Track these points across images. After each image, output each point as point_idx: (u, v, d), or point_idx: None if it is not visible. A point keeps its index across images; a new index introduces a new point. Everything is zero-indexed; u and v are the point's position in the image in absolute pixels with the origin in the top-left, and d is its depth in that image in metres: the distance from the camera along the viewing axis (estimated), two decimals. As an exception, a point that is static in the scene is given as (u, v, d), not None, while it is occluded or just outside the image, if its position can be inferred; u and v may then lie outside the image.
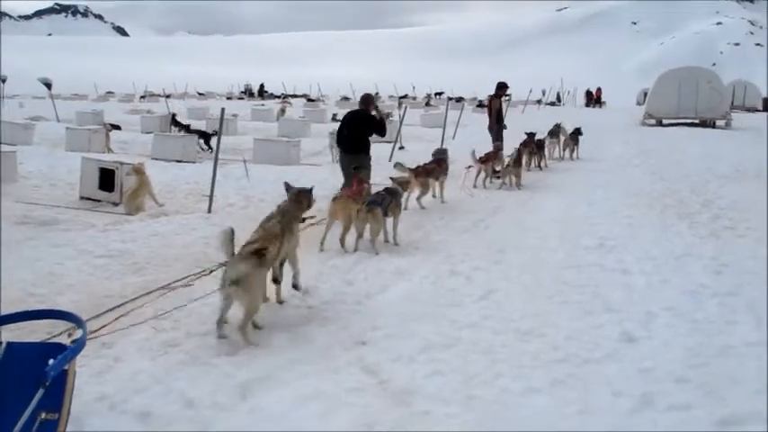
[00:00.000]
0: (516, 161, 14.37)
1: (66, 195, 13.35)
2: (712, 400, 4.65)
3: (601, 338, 5.76)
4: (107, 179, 12.83)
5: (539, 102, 54.02)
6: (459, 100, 48.27)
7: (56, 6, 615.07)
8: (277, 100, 56.47)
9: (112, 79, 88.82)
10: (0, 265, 7.19)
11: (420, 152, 14.32)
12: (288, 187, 7.05)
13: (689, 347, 5.52)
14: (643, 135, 27.39)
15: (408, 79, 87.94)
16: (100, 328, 5.94)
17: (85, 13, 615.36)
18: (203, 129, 23.28)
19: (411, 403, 4.68)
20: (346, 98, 56.45)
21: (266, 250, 6.00)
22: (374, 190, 10.04)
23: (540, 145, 17.31)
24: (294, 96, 66.49)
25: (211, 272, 7.57)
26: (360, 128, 11.41)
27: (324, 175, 15.51)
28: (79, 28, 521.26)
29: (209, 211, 11.26)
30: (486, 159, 14.28)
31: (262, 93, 70.74)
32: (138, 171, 12.13)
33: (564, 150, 19.41)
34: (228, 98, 65.36)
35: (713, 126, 31.49)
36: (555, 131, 19.35)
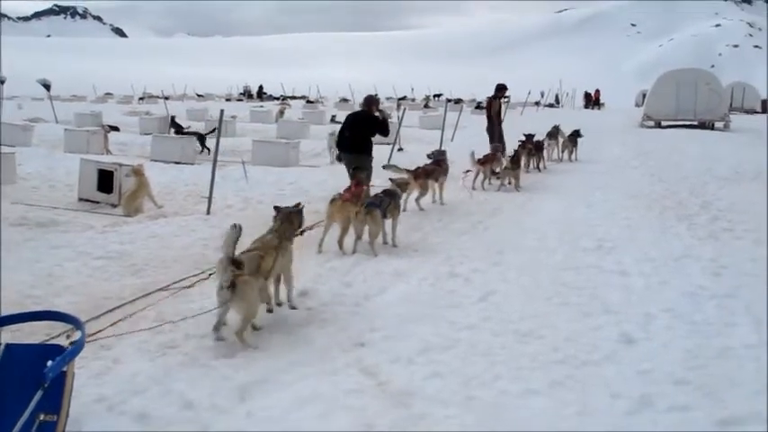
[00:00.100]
0: (515, 163, 14.38)
1: (64, 197, 13.35)
2: (711, 401, 4.65)
3: (599, 340, 5.76)
4: (106, 180, 12.84)
5: (537, 103, 54.04)
6: (458, 102, 48.30)
7: (55, 8, 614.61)
8: (276, 101, 56.45)
9: (111, 81, 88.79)
10: (-1, 267, 7.19)
11: (419, 154, 14.32)
12: (278, 209, 6.94)
13: (688, 349, 5.52)
14: (642, 137, 27.42)
15: (407, 81, 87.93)
16: (98, 332, 5.93)
17: (84, 15, 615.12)
18: (198, 130, 23.24)
19: (410, 405, 4.68)
20: (345, 100, 56.42)
21: (262, 259, 5.98)
22: (374, 191, 10.04)
23: (538, 146, 17.33)
24: (293, 98, 66.49)
25: (210, 275, 7.55)
26: (362, 129, 11.47)
27: (322, 176, 15.54)
28: (78, 29, 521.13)
29: (208, 212, 11.26)
30: (484, 161, 14.29)
31: (260, 94, 70.79)
32: (137, 172, 12.13)
33: (562, 152, 19.43)
34: (227, 100, 65.36)
35: (712, 128, 31.53)
36: (553, 133, 19.38)
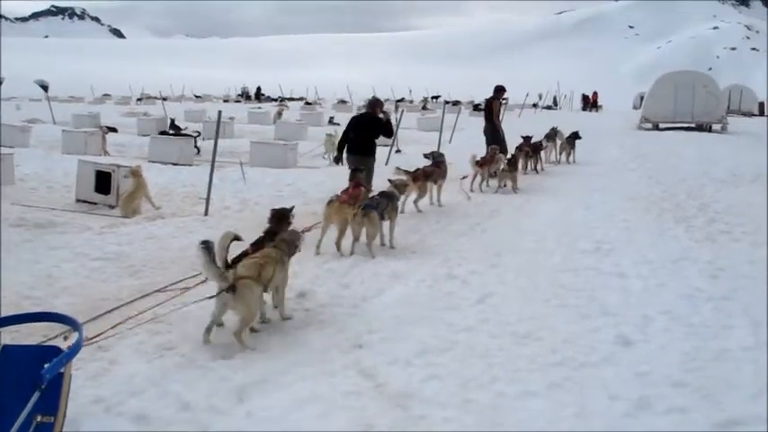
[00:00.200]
0: (512, 165, 14.38)
1: (62, 198, 13.33)
2: (709, 403, 4.66)
3: (597, 342, 5.76)
4: (103, 182, 12.82)
5: (534, 105, 54.08)
6: (456, 103, 48.27)
7: (52, 8, 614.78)
8: (274, 103, 56.43)
9: (109, 82, 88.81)
10: (-4, 268, 7.19)
11: (416, 156, 14.33)
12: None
13: (685, 351, 5.53)
14: (639, 139, 27.47)
15: (405, 82, 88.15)
16: (96, 336, 5.92)
17: (82, 16, 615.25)
18: (188, 131, 23.18)
19: (408, 407, 4.68)
20: (343, 101, 56.43)
21: (263, 267, 5.99)
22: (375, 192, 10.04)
23: (536, 148, 17.34)
24: (291, 99, 66.50)
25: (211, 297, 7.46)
26: (367, 131, 11.63)
27: (320, 177, 15.53)
28: (76, 30, 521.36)
29: (206, 213, 11.25)
30: (482, 162, 14.29)
31: (259, 96, 70.75)
32: (135, 174, 12.12)
33: (560, 154, 19.46)
34: (225, 101, 65.28)
35: (709, 130, 31.57)
36: (551, 135, 19.40)
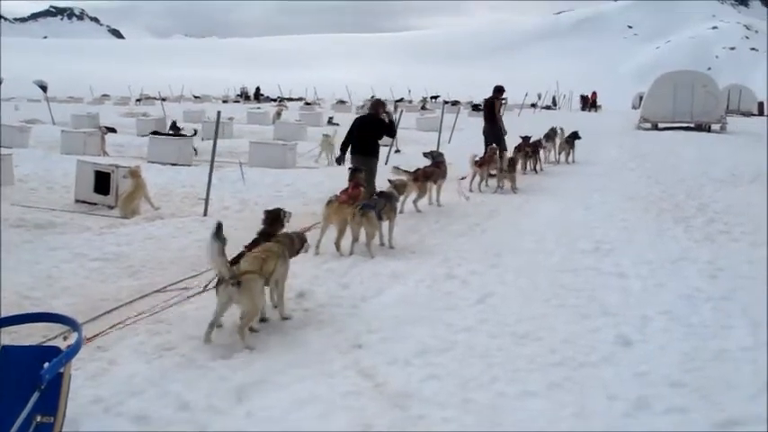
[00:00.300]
0: (511, 165, 14.38)
1: (61, 198, 13.32)
2: (708, 403, 4.66)
3: (597, 342, 5.77)
4: (102, 182, 12.81)
5: (533, 105, 54.09)
6: (455, 103, 48.28)
7: (51, 9, 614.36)
8: (273, 103, 56.42)
9: (108, 82, 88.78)
10: (-4, 268, 7.19)
11: (416, 156, 14.33)
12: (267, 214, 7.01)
13: (684, 351, 5.53)
14: (639, 139, 27.49)
15: (404, 82, 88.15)
16: (95, 336, 5.92)
17: (81, 16, 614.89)
18: (184, 132, 23.14)
19: (407, 407, 4.68)
20: (342, 101, 56.46)
21: (265, 261, 6.00)
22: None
23: (535, 148, 17.35)
24: (290, 99, 66.48)
25: (205, 287, 7.41)
26: (370, 131, 11.67)
27: (320, 178, 15.54)
28: (75, 30, 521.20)
29: (205, 214, 11.25)
30: (481, 162, 14.30)
31: (258, 96, 70.72)
32: (134, 174, 12.11)
33: (560, 154, 19.48)
34: (224, 101, 65.21)
35: (708, 130, 31.60)
36: (551, 135, 19.42)
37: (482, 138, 17.45)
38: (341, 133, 18.54)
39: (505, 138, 16.96)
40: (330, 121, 32.60)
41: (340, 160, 11.97)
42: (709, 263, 8.30)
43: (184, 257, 8.64)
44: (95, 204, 12.69)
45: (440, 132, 20.78)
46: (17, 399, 3.28)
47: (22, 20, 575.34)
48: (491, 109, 17.51)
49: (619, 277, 7.74)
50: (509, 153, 15.73)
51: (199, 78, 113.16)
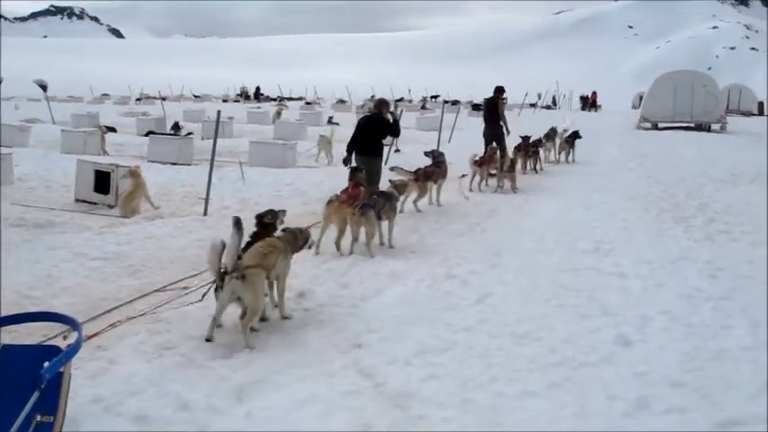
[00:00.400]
0: (511, 165, 14.38)
1: (61, 198, 13.32)
2: (708, 403, 4.66)
3: (597, 342, 5.77)
4: (102, 181, 12.81)
5: (532, 105, 54.07)
6: (455, 103, 48.26)
7: (51, 8, 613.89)
8: (273, 103, 56.40)
9: (108, 81, 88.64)
10: (-4, 268, 7.18)
11: (416, 155, 14.33)
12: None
13: (684, 351, 5.53)
14: (639, 139, 27.49)
15: (404, 82, 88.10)
16: (94, 335, 5.92)
17: (81, 15, 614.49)
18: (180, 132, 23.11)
19: (407, 407, 4.68)
20: (342, 101, 56.45)
21: (265, 256, 6.02)
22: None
23: (536, 148, 17.35)
24: (290, 99, 66.46)
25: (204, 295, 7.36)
26: (374, 131, 11.71)
27: (320, 177, 15.53)
28: (75, 30, 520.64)
29: (205, 213, 11.26)
30: (481, 162, 14.30)
31: (258, 95, 70.70)
32: (134, 174, 12.11)
33: (560, 153, 19.48)
34: (224, 101, 65.17)
35: (708, 130, 31.61)
36: (551, 135, 19.43)
37: (482, 138, 17.43)
38: (340, 133, 18.54)
39: (507, 138, 16.95)
40: (330, 121, 32.59)
41: (347, 161, 11.92)
42: (709, 263, 8.30)
43: (184, 257, 8.65)
44: (95, 204, 12.69)
45: (440, 132, 20.77)
46: (17, 398, 3.28)
47: (22, 19, 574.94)
48: (493, 109, 17.46)
49: (619, 277, 7.74)
50: (509, 153, 15.74)
51: (199, 78, 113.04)
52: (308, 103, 54.93)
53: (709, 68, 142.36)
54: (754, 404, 4.61)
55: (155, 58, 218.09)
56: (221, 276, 5.77)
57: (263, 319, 6.31)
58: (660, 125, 32.81)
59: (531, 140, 17.30)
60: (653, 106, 33.64)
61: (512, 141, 16.99)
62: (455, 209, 12.13)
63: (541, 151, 18.01)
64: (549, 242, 9.51)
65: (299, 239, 6.77)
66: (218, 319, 5.92)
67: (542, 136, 18.69)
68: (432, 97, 65.75)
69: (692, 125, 32.10)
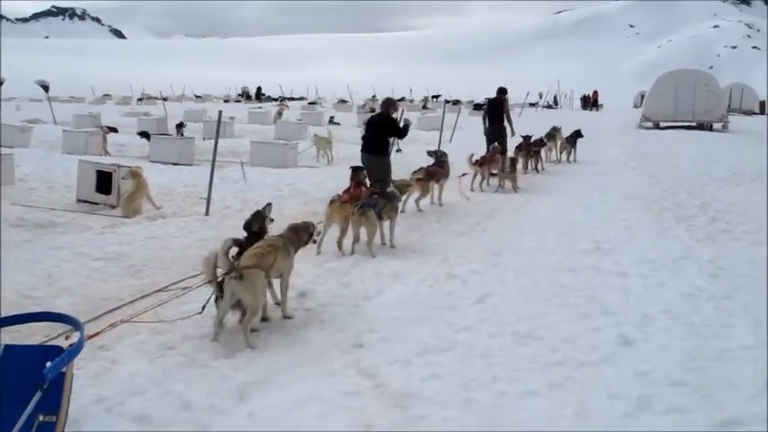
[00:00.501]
0: (511, 165, 14.38)
1: (63, 198, 13.33)
2: (709, 403, 4.66)
3: (598, 341, 5.77)
4: (104, 182, 12.83)
5: (532, 105, 54.02)
6: (456, 103, 48.25)
7: (53, 9, 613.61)
8: (274, 103, 56.41)
9: (110, 82, 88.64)
10: (-2, 268, 7.19)
11: (417, 155, 14.33)
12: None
13: (685, 351, 5.53)
14: (640, 138, 27.48)
15: (405, 82, 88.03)
16: (95, 334, 5.92)
17: (83, 16, 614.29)
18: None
19: (408, 406, 4.69)
20: (343, 101, 56.43)
21: (262, 256, 6.02)
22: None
23: (537, 148, 17.34)
24: (291, 99, 66.45)
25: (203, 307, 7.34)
26: (381, 130, 11.76)
27: (321, 177, 15.54)
28: (76, 30, 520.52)
29: (207, 213, 11.27)
30: (482, 162, 14.30)
31: (259, 95, 70.70)
32: (135, 174, 12.12)
33: (561, 153, 19.48)
34: (226, 101, 65.19)
35: (710, 129, 31.60)
36: (552, 134, 19.42)
37: (482, 137, 17.41)
38: (340, 133, 18.53)
39: (512, 138, 16.93)
40: (331, 121, 32.58)
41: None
42: (710, 262, 8.31)
43: (186, 257, 8.65)
44: (97, 204, 12.71)
45: (441, 131, 20.77)
46: (19, 398, 3.29)
47: (24, 20, 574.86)
48: (497, 110, 17.39)
49: (620, 276, 7.74)
50: (510, 153, 15.74)
51: (200, 78, 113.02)
52: (310, 104, 54.94)
53: (711, 67, 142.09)
54: (755, 404, 4.61)
55: (156, 58, 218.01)
56: (220, 286, 5.80)
57: (264, 319, 6.32)
58: (662, 124, 32.81)
59: (532, 140, 17.30)
60: (654, 105, 33.62)
61: (513, 141, 16.99)
62: (456, 208, 12.14)
63: (543, 151, 18.00)
64: (550, 241, 9.51)
65: (302, 235, 6.78)
66: (222, 320, 5.92)
67: (544, 135, 18.67)
68: (433, 97, 65.75)
69: (693, 124, 32.10)
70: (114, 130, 23.05)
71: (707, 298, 6.90)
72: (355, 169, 10.67)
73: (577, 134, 19.50)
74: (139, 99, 60.93)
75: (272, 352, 5.63)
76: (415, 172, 11.97)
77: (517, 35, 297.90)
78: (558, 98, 65.12)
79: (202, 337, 5.86)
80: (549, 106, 59.01)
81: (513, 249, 9.06)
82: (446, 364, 5.37)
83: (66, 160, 16.99)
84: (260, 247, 6.21)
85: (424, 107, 49.26)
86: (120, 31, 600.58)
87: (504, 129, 16.95)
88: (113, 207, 12.43)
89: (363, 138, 11.97)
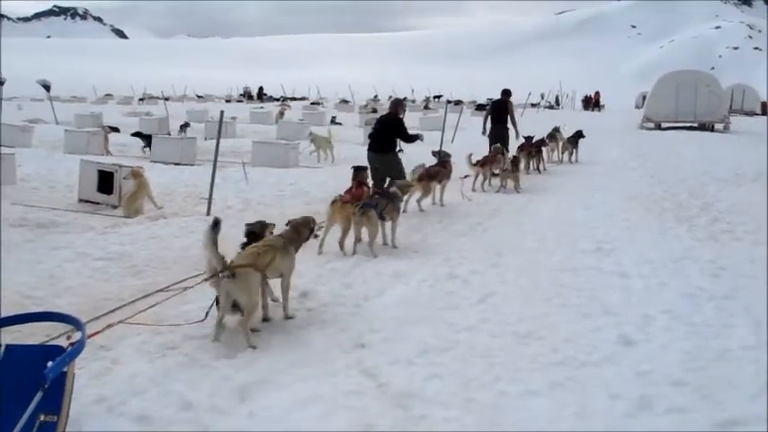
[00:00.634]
0: (513, 165, 14.38)
1: (64, 198, 13.34)
2: (709, 403, 4.66)
3: (599, 341, 5.77)
4: (106, 182, 12.83)
5: (533, 105, 53.97)
6: (458, 103, 48.27)
7: (55, 8, 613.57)
8: (276, 103, 56.42)
9: (111, 81, 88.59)
10: (-1, 268, 7.19)
11: (418, 155, 14.31)
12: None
13: (686, 351, 5.53)
14: (641, 138, 27.47)
15: (406, 82, 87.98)
16: (97, 333, 5.93)
17: (84, 16, 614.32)
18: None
19: (409, 406, 4.69)
20: (345, 101, 56.42)
21: (259, 256, 6.03)
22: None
23: (538, 148, 17.34)
24: (293, 99, 66.46)
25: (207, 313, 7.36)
26: (387, 130, 11.95)
27: (323, 177, 15.55)
28: (78, 30, 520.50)
29: (208, 213, 11.25)
30: (483, 162, 14.29)
31: (261, 95, 70.70)
32: (137, 174, 12.13)
33: (562, 153, 19.48)
34: (227, 101, 65.23)
35: (712, 130, 31.58)
36: (553, 135, 19.41)
37: (483, 137, 17.39)
38: (340, 133, 18.51)
39: (516, 140, 16.92)
40: (333, 121, 32.59)
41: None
42: (711, 262, 8.31)
43: (187, 257, 8.65)
44: (98, 204, 12.71)
45: (443, 131, 20.73)
46: (20, 398, 3.30)
47: (26, 19, 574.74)
48: (501, 111, 17.36)
49: (620, 276, 7.74)
50: (512, 153, 15.74)
51: (201, 78, 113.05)
52: (313, 104, 54.96)
53: (713, 68, 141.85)
54: (756, 404, 4.61)
55: (157, 58, 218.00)
56: (222, 264, 5.77)
57: (265, 319, 6.32)
58: (663, 125, 32.79)
59: (534, 140, 17.29)
60: (656, 106, 33.59)
61: (515, 141, 16.97)
62: (457, 209, 12.14)
63: (544, 151, 18.00)
64: (551, 242, 9.51)
65: (302, 232, 6.78)
66: (222, 320, 5.93)
67: (545, 136, 18.67)
68: (435, 97, 65.76)
69: (695, 125, 32.08)
70: (116, 129, 23.09)
71: (708, 298, 6.90)
72: (357, 169, 10.68)
73: (579, 135, 19.51)
74: (141, 99, 60.93)
75: (274, 352, 5.63)
76: (413, 170, 11.96)
77: (519, 35, 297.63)
78: (559, 99, 65.08)
79: (203, 337, 5.86)
80: (550, 107, 59.00)
81: (514, 249, 9.07)
82: (447, 364, 5.37)
83: (68, 160, 17.02)
84: (256, 247, 6.21)
85: (426, 107, 49.25)
86: (121, 31, 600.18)
87: (507, 130, 16.93)
88: (115, 207, 12.44)
89: (370, 136, 12.16)
